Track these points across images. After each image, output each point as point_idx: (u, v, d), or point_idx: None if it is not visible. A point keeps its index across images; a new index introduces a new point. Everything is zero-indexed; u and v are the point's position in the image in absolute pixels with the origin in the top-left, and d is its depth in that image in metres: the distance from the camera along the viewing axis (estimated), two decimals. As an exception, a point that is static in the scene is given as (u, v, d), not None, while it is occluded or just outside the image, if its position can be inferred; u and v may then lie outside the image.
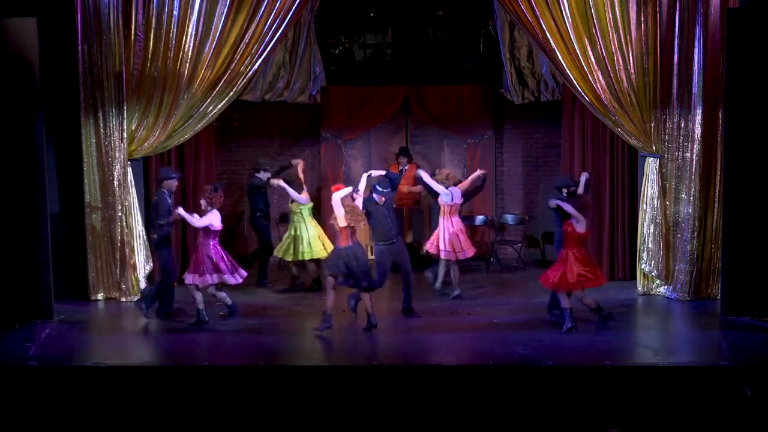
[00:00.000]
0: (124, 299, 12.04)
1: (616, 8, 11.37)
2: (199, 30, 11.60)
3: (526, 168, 14.95)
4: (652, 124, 11.66)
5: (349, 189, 10.67)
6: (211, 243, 10.61)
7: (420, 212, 14.51)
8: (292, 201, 12.35)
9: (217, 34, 11.62)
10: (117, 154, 11.81)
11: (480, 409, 8.66)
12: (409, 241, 14.02)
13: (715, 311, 11.05)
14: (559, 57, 11.58)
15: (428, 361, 9.52)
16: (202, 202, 10.73)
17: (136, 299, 11.70)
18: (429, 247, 12.20)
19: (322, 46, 14.85)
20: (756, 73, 10.61)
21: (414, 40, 15.23)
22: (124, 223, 11.90)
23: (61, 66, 11.70)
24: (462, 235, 11.99)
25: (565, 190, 10.92)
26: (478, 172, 12.39)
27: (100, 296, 12.09)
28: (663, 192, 11.78)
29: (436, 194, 12.00)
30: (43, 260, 11.01)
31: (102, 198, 11.87)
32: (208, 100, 11.84)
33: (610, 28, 11.41)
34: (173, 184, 11.14)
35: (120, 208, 11.85)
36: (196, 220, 10.59)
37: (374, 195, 10.83)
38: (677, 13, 11.38)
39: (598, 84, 11.57)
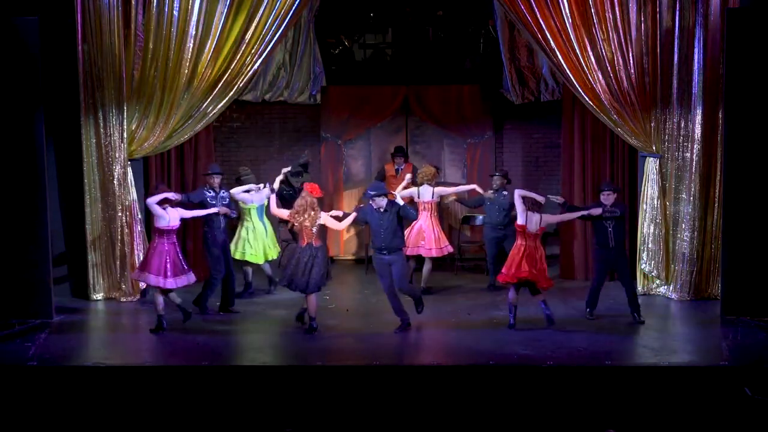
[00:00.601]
0: (124, 299, 12.04)
1: (616, 8, 11.38)
2: (199, 30, 11.60)
3: (526, 168, 14.96)
4: (652, 124, 11.66)
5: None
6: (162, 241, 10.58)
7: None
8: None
9: (217, 34, 11.62)
10: (117, 154, 11.81)
11: (480, 410, 8.66)
12: None
13: (715, 311, 11.06)
14: (559, 57, 11.58)
15: (428, 362, 9.52)
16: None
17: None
18: (429, 252, 12.34)
19: (322, 46, 14.85)
20: (756, 73, 10.62)
21: (414, 40, 15.24)
22: (124, 223, 11.90)
23: (61, 66, 11.70)
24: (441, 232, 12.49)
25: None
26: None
27: (100, 296, 12.09)
28: (663, 192, 11.79)
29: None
30: (43, 260, 11.00)
31: (102, 198, 11.87)
32: (208, 100, 11.84)
33: (610, 28, 11.42)
34: (213, 180, 11.31)
35: (120, 208, 11.85)
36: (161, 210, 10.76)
37: (370, 201, 10.61)
38: (677, 13, 11.39)
39: (598, 84, 11.57)
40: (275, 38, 11.79)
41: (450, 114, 14.67)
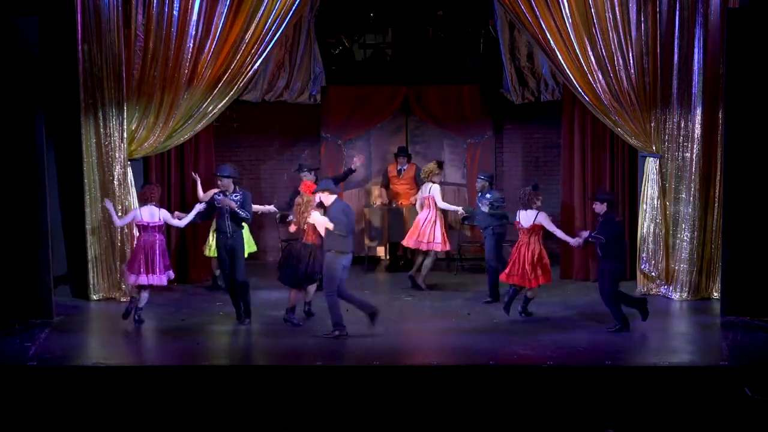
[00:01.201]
0: (124, 299, 12.01)
1: (616, 8, 11.38)
2: (199, 30, 11.61)
3: (526, 168, 14.96)
4: (652, 124, 11.66)
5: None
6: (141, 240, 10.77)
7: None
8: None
9: (217, 34, 11.63)
10: (117, 154, 11.81)
11: (480, 410, 8.65)
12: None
13: (715, 311, 11.06)
14: (559, 57, 11.59)
15: (428, 362, 9.51)
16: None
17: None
18: (433, 246, 12.52)
19: (322, 46, 14.85)
20: (756, 73, 10.62)
21: (414, 40, 15.24)
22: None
23: (61, 66, 11.70)
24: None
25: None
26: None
27: (100, 296, 12.09)
28: (663, 192, 11.78)
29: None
30: (43, 260, 11.01)
31: (102, 198, 11.86)
32: (208, 100, 11.85)
33: (610, 28, 11.42)
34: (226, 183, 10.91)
35: (120, 208, 11.84)
36: (118, 220, 11.12)
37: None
38: (677, 13, 11.40)
39: (598, 84, 11.57)
40: (275, 38, 11.80)
41: (450, 114, 14.67)
